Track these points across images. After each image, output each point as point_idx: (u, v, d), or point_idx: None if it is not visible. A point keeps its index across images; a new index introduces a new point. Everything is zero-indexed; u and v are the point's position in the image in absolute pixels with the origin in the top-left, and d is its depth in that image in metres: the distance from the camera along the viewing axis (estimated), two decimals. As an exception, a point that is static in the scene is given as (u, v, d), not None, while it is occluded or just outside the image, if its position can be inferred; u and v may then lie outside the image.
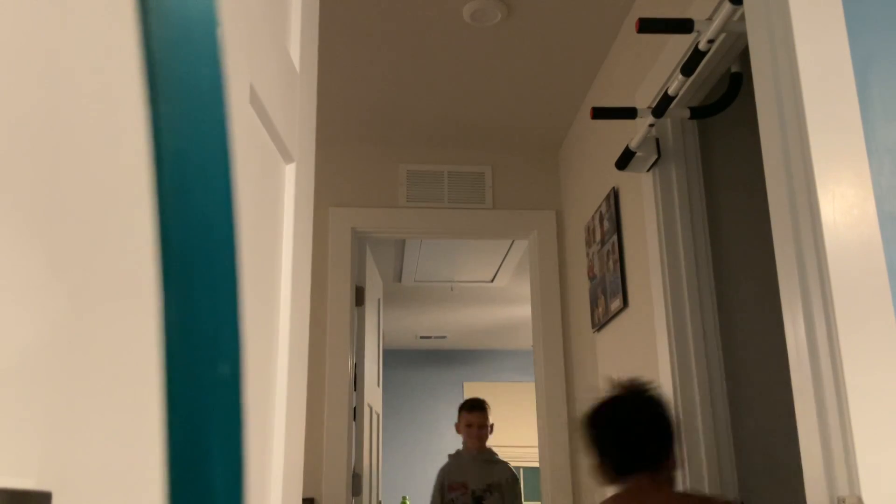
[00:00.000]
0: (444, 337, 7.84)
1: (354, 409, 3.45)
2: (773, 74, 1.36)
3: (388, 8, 2.69)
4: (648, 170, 2.44)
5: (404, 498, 6.19)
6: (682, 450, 1.87)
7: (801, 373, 1.25)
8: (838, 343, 1.17)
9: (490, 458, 3.89)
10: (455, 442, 8.10)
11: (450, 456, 3.98)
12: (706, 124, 2.52)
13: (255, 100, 0.79)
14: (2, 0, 0.37)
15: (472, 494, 3.73)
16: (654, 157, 2.41)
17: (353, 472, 3.36)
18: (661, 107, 2.22)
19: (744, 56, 2.07)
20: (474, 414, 3.91)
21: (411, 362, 8.21)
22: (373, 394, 3.93)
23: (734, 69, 2.18)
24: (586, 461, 1.83)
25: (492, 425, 3.98)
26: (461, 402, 4.23)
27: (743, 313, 2.42)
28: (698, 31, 1.92)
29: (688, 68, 2.02)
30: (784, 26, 1.34)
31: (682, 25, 1.94)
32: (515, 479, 3.85)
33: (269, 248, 0.85)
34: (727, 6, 1.78)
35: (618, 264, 2.74)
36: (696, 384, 2.23)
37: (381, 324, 4.32)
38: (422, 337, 7.83)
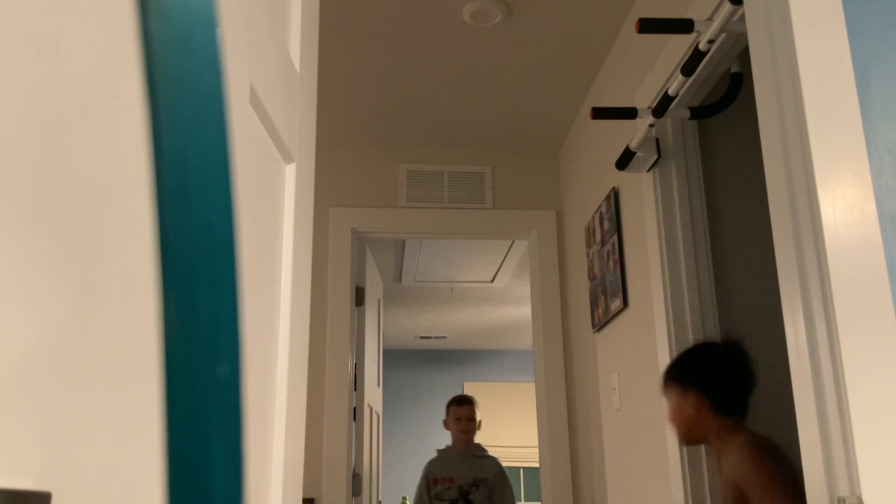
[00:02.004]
0: (444, 337, 7.84)
1: (354, 409, 3.45)
2: (773, 74, 1.36)
3: (388, 8, 2.69)
4: (648, 170, 2.44)
5: (404, 498, 6.19)
6: None
7: (801, 373, 1.25)
8: (838, 343, 1.17)
9: (478, 453, 3.88)
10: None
11: (438, 451, 3.97)
12: (706, 124, 2.52)
13: (255, 100, 0.79)
14: (2, 0, 0.37)
15: (459, 489, 3.71)
16: (654, 157, 2.41)
17: (353, 472, 3.36)
18: (662, 107, 2.22)
19: (744, 56, 2.07)
20: (463, 407, 3.91)
21: (411, 362, 8.21)
22: (373, 394, 3.93)
23: (734, 69, 2.18)
24: (678, 392, 1.94)
25: (479, 421, 3.98)
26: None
27: (743, 313, 2.42)
28: (698, 32, 1.92)
29: (688, 68, 2.02)
30: (784, 26, 1.34)
31: (682, 26, 1.94)
32: (504, 474, 3.83)
33: (269, 248, 0.85)
34: (727, 6, 1.78)
35: (618, 264, 2.74)
36: (696, 384, 2.23)
37: (381, 324, 4.32)
38: (422, 337, 7.83)
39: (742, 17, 1.72)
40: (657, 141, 2.42)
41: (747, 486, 1.73)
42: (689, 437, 1.94)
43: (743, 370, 1.90)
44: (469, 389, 8.05)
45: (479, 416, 3.95)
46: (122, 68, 0.49)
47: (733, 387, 1.88)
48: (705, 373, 1.90)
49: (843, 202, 1.23)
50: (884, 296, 1.19)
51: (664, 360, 2.31)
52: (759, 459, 1.75)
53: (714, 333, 2.29)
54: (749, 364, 1.91)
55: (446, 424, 3.98)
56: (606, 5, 2.68)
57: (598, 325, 2.97)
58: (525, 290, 6.02)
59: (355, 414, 3.46)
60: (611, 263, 2.83)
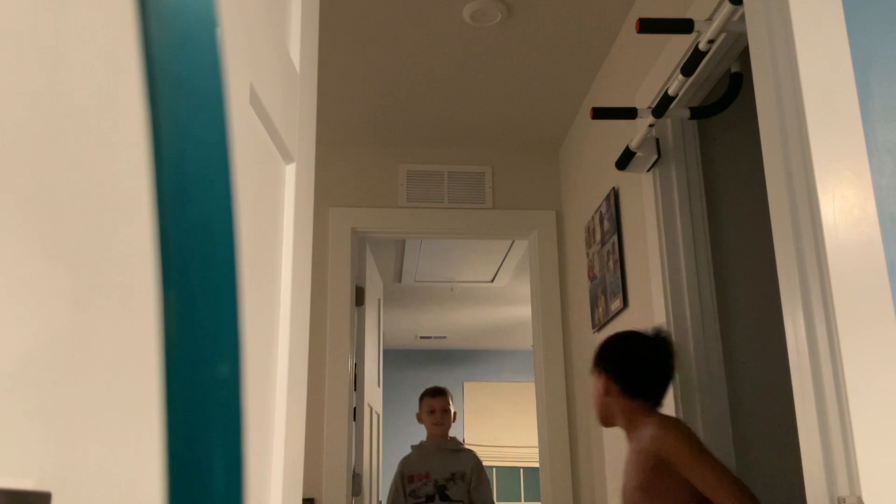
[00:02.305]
0: (444, 337, 7.84)
1: (354, 409, 3.45)
2: (773, 74, 1.36)
3: (388, 8, 2.69)
4: (648, 170, 2.44)
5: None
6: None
7: (801, 373, 1.25)
8: (838, 343, 1.17)
9: (454, 446, 3.75)
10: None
11: (413, 447, 3.84)
12: (706, 124, 2.51)
13: (255, 100, 0.79)
14: (2, 0, 0.37)
15: (435, 484, 3.57)
16: (654, 157, 2.41)
17: (353, 472, 3.36)
18: (662, 107, 2.22)
19: (744, 56, 2.07)
20: (437, 399, 3.77)
21: (411, 362, 8.21)
22: (373, 394, 3.93)
23: (734, 69, 2.18)
24: (593, 374, 2.04)
25: (455, 413, 3.83)
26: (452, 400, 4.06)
27: (743, 313, 2.42)
28: (698, 32, 1.92)
29: (688, 68, 2.02)
30: (784, 26, 1.34)
31: (682, 25, 1.94)
32: (481, 467, 3.70)
33: (269, 248, 0.85)
34: (727, 6, 1.78)
35: (618, 264, 2.74)
36: (696, 384, 2.23)
37: (381, 324, 4.32)
38: (422, 337, 7.83)
39: (742, 17, 1.72)
40: (657, 141, 2.42)
41: (674, 454, 1.74)
42: (601, 419, 2.02)
43: (658, 360, 1.97)
44: (469, 389, 8.05)
45: (453, 408, 3.81)
46: (122, 68, 0.49)
47: (643, 373, 1.94)
48: (616, 358, 1.98)
49: (843, 202, 1.23)
50: (884, 296, 1.19)
51: (664, 360, 2.30)
52: (683, 431, 1.80)
53: (714, 333, 2.29)
54: (667, 356, 1.99)
55: (419, 418, 3.83)
56: (606, 5, 2.68)
57: (598, 325, 2.97)
58: (525, 290, 6.01)
59: (355, 414, 3.46)
60: (611, 263, 2.83)
